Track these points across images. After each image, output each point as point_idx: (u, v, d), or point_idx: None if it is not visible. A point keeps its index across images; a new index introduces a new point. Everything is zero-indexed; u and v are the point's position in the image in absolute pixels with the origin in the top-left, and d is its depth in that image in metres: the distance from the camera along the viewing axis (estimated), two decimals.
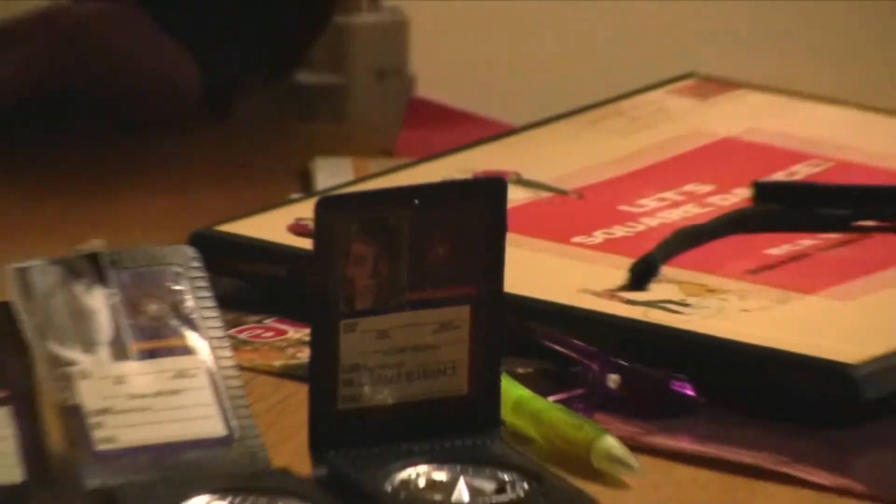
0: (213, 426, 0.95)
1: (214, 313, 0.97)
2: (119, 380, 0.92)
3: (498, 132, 1.38)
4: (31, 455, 0.93)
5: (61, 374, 0.90)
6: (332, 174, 1.30)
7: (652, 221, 1.17)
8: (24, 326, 0.95)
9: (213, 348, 0.96)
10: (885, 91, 1.69)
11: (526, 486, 0.88)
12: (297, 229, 1.16)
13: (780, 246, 1.15)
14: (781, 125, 1.33)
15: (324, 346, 0.93)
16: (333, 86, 1.50)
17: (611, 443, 0.93)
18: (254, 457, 0.90)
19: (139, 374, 0.93)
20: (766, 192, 1.20)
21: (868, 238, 1.15)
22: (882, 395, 0.98)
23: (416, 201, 0.96)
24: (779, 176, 1.24)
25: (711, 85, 1.37)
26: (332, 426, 0.93)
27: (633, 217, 1.18)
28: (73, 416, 0.90)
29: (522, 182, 1.17)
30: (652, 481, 0.95)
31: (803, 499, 0.95)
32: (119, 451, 0.90)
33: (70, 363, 0.92)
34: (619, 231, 1.16)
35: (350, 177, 1.32)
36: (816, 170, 1.25)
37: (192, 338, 0.96)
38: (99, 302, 0.94)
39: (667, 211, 1.21)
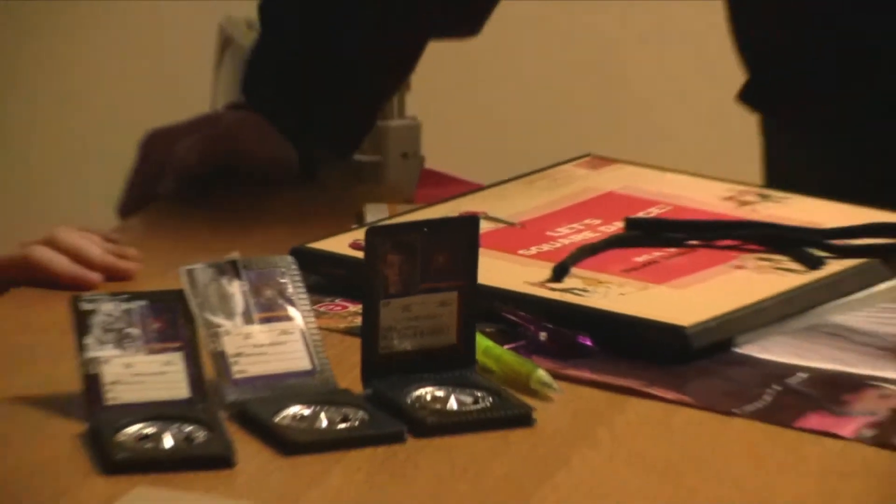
0: (304, 364, 0.97)
1: (304, 296, 1.00)
2: (247, 336, 0.96)
3: (473, 189, 1.40)
4: (194, 381, 0.94)
5: (212, 333, 0.94)
6: (375, 214, 1.28)
7: (565, 241, 1.19)
8: (190, 304, 0.99)
9: (304, 317, 0.99)
10: (706, 165, 1.63)
11: (490, 399, 0.92)
12: (355, 246, 1.14)
13: (641, 256, 1.15)
14: (642, 184, 1.34)
15: (370, 315, 0.96)
16: (376, 163, 1.43)
17: (541, 374, 0.96)
18: (328, 382, 0.95)
19: (259, 333, 0.97)
20: (633, 224, 1.24)
21: (694, 252, 1.19)
22: (703, 345, 1.03)
23: (425, 229, 1.01)
24: (640, 214, 1.27)
25: (600, 161, 1.41)
26: (375, 364, 0.96)
27: (554, 238, 1.20)
28: (219, 358, 0.93)
29: (488, 218, 1.19)
30: (566, 397, 0.97)
31: (656, 407, 0.95)
32: (247, 379, 0.94)
33: (218, 326, 0.96)
34: (546, 247, 1.18)
35: (386, 215, 1.34)
36: (663, 211, 1.27)
37: (291, 311, 1.00)
38: (235, 289, 0.97)
39: (574, 235, 1.21)
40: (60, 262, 1.15)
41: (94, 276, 1.13)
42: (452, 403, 0.90)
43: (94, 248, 1.18)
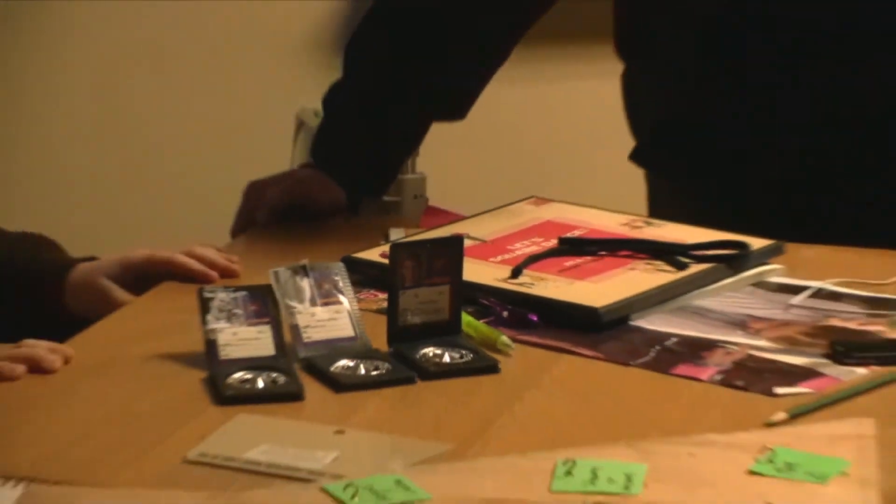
0: (349, 332, 0.90)
1: (350, 288, 0.95)
2: (312, 314, 0.91)
3: (459, 218, 1.37)
4: (278, 344, 0.87)
5: (290, 312, 0.89)
6: (396, 235, 1.24)
7: (519, 252, 1.13)
8: (276, 293, 0.94)
9: (349, 302, 0.91)
10: (610, 202, 1.56)
11: (471, 355, 0.88)
12: (383, 256, 1.15)
13: (569, 262, 1.12)
14: (569, 215, 1.28)
15: (393, 300, 0.89)
16: (396, 202, 1.40)
17: (504, 338, 0.89)
18: (366, 345, 0.90)
19: (320, 312, 0.91)
20: (563, 241, 1.17)
21: (603, 259, 1.08)
22: (610, 320, 0.99)
23: (428, 245, 1.01)
24: (568, 235, 1.24)
25: (541, 200, 1.33)
26: (396, 332, 0.91)
27: (512, 251, 1.12)
28: (294, 328, 0.89)
29: (469, 237, 1.13)
30: (520, 354, 0.93)
31: (580, 361, 0.87)
32: (312, 342, 0.88)
33: (293, 308, 0.91)
34: (507, 256, 1.12)
35: (403, 236, 1.32)
36: (583, 232, 1.23)
37: (342, 298, 0.92)
38: (305, 284, 0.91)
39: (525, 248, 1.15)
40: (194, 264, 1.10)
41: (214, 275, 1.09)
42: (446, 358, 0.89)
43: (215, 255, 1.15)
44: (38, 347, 0.92)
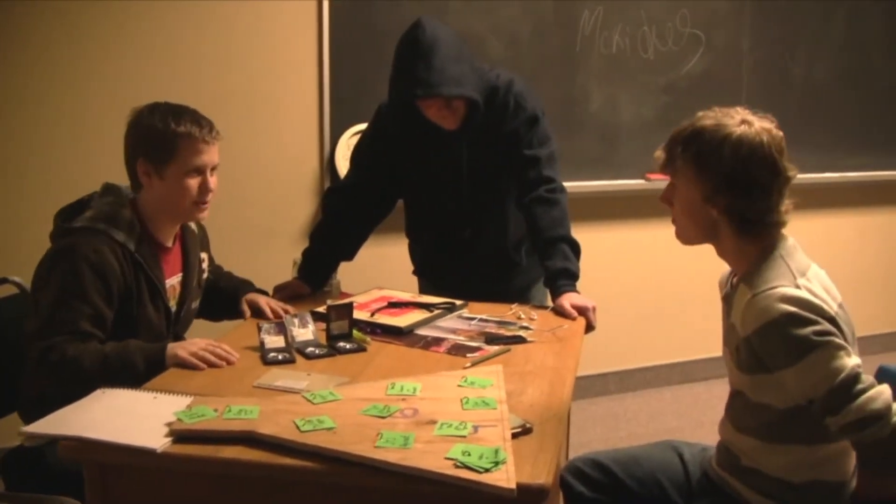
0: (312, 337, 1.50)
1: (312, 321, 1.57)
2: (299, 331, 1.54)
3: (350, 296, 1.88)
4: (286, 342, 1.51)
5: (290, 330, 1.48)
6: (330, 301, 1.70)
7: (374, 307, 1.76)
8: (286, 324, 1.52)
9: (313, 326, 1.54)
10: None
11: (356, 344, 1.50)
12: (325, 309, 1.64)
13: (392, 309, 1.71)
14: (392, 293, 1.87)
15: (328, 325, 1.53)
16: (328, 290, 1.98)
17: (367, 338, 1.55)
18: (319, 342, 1.48)
19: (301, 331, 1.55)
20: (391, 303, 1.78)
21: (404, 308, 1.71)
22: (409, 331, 1.54)
23: (340, 305, 1.60)
24: (391, 300, 1.80)
25: (381, 288, 1.91)
26: (329, 337, 1.50)
27: (370, 306, 1.73)
28: (291, 336, 1.49)
29: (354, 301, 1.67)
30: (375, 345, 1.61)
31: (396, 347, 1.54)
32: (298, 341, 1.51)
33: (291, 329, 1.54)
34: (369, 308, 1.73)
35: (333, 302, 1.71)
36: (395, 299, 1.81)
37: (310, 325, 1.54)
38: (296, 320, 1.56)
39: (376, 305, 1.77)
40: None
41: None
42: (347, 346, 1.54)
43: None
44: (219, 346, 1.45)
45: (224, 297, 1.78)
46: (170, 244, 1.65)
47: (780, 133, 1.29)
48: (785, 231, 1.31)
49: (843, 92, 3.36)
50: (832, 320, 1.20)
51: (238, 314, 1.75)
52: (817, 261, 1.32)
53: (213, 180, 1.57)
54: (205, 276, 1.76)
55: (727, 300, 1.36)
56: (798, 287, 1.22)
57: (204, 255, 1.77)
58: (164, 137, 1.51)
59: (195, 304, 1.73)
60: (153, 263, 1.57)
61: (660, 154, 1.33)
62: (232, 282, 1.83)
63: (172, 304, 1.63)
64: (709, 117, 1.30)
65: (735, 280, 1.35)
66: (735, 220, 1.28)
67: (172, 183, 1.54)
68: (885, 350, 3.66)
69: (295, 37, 2.49)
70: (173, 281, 1.65)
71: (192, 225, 1.73)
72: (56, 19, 2.25)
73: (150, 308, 1.56)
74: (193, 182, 1.55)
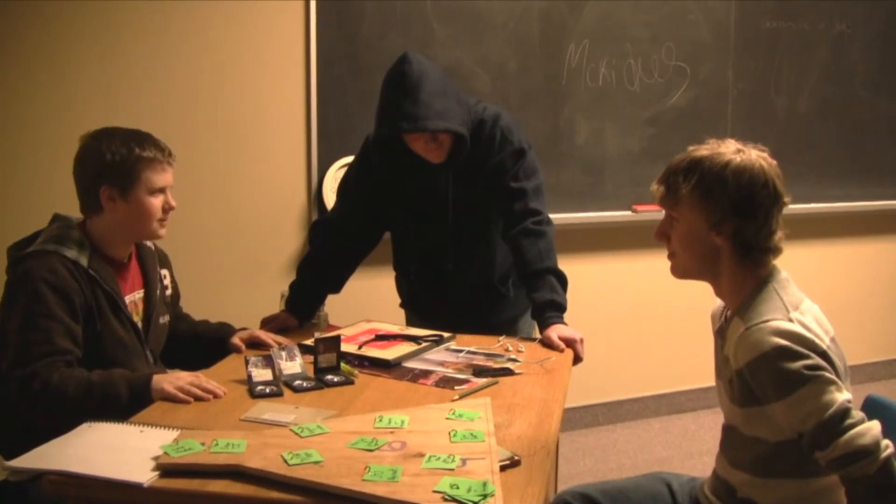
0: (299, 370, 1.52)
1: (300, 354, 1.58)
2: (287, 364, 1.55)
3: (338, 328, 1.91)
4: (273, 374, 1.51)
5: (278, 363, 1.51)
6: (317, 334, 1.71)
7: (361, 339, 1.74)
8: (273, 357, 1.53)
9: (300, 358, 1.54)
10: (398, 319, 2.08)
11: (343, 377, 1.49)
12: (313, 342, 1.64)
13: (380, 342, 1.72)
14: (379, 326, 1.87)
15: (316, 358, 1.55)
16: (316, 322, 2.00)
17: (354, 370, 1.55)
18: (306, 375, 1.50)
19: (289, 364, 1.56)
20: (378, 336, 1.75)
21: (395, 340, 1.69)
22: (399, 363, 1.56)
23: (328, 338, 1.59)
24: (379, 332, 1.80)
25: (369, 321, 1.91)
26: (317, 370, 1.51)
27: (357, 339, 1.71)
28: (279, 370, 1.50)
29: (342, 335, 1.67)
30: (361, 377, 1.60)
31: (384, 380, 1.54)
32: (286, 374, 1.51)
33: (279, 362, 1.55)
34: (356, 341, 1.73)
35: (320, 335, 1.70)
36: (383, 332, 1.82)
37: (297, 358, 1.55)
38: (284, 353, 1.58)
39: (364, 338, 1.75)
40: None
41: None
42: (335, 379, 1.53)
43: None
44: (205, 381, 1.45)
45: (208, 342, 1.81)
46: (125, 261, 1.69)
47: (774, 161, 1.32)
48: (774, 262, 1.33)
49: (826, 123, 3.41)
50: (824, 355, 1.20)
51: (221, 357, 1.77)
52: (803, 290, 1.33)
53: (172, 199, 1.66)
54: (168, 292, 1.79)
55: (720, 333, 1.38)
56: (791, 321, 1.22)
57: (165, 272, 1.80)
58: (128, 162, 1.58)
59: (164, 320, 1.74)
60: (107, 277, 1.61)
61: (657, 187, 1.34)
62: (211, 326, 1.86)
63: (137, 320, 1.66)
64: (703, 148, 1.32)
65: (729, 313, 1.36)
66: (738, 247, 1.30)
67: (138, 205, 1.61)
68: (870, 380, 3.71)
69: (283, 71, 2.55)
70: (134, 297, 1.69)
71: (148, 243, 1.77)
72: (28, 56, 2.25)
73: (115, 323, 1.59)
74: (157, 201, 1.63)
